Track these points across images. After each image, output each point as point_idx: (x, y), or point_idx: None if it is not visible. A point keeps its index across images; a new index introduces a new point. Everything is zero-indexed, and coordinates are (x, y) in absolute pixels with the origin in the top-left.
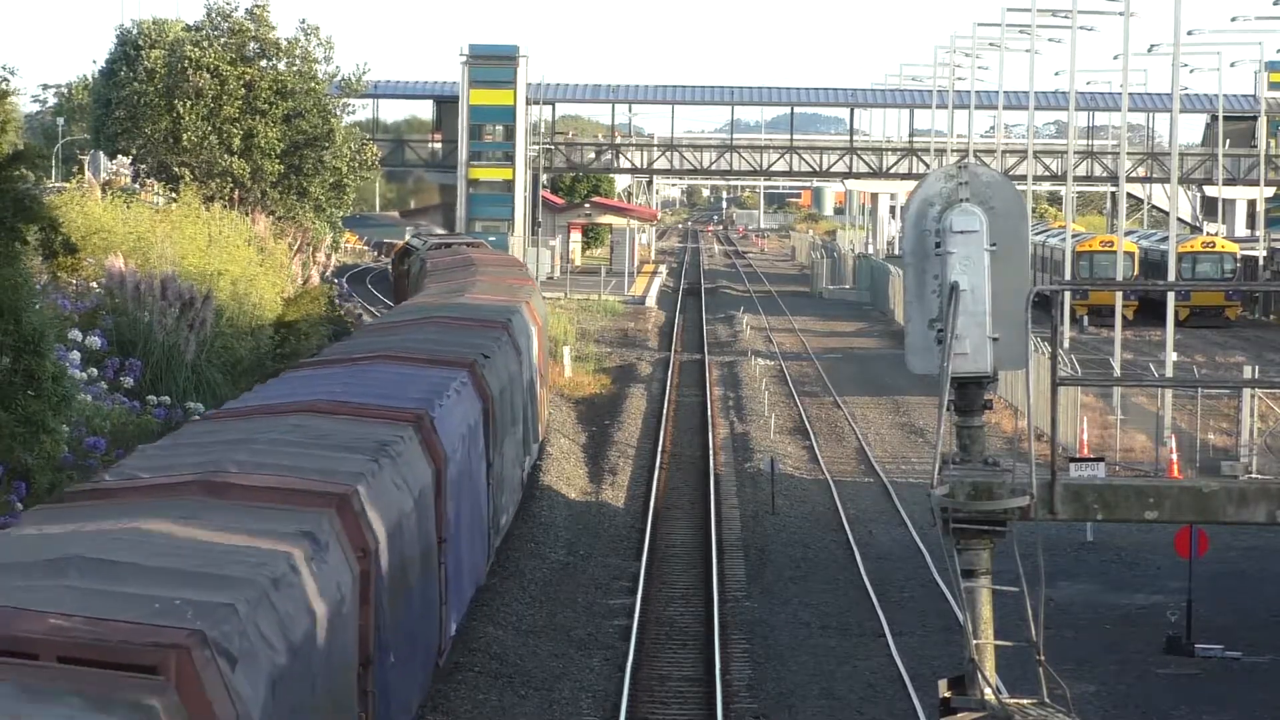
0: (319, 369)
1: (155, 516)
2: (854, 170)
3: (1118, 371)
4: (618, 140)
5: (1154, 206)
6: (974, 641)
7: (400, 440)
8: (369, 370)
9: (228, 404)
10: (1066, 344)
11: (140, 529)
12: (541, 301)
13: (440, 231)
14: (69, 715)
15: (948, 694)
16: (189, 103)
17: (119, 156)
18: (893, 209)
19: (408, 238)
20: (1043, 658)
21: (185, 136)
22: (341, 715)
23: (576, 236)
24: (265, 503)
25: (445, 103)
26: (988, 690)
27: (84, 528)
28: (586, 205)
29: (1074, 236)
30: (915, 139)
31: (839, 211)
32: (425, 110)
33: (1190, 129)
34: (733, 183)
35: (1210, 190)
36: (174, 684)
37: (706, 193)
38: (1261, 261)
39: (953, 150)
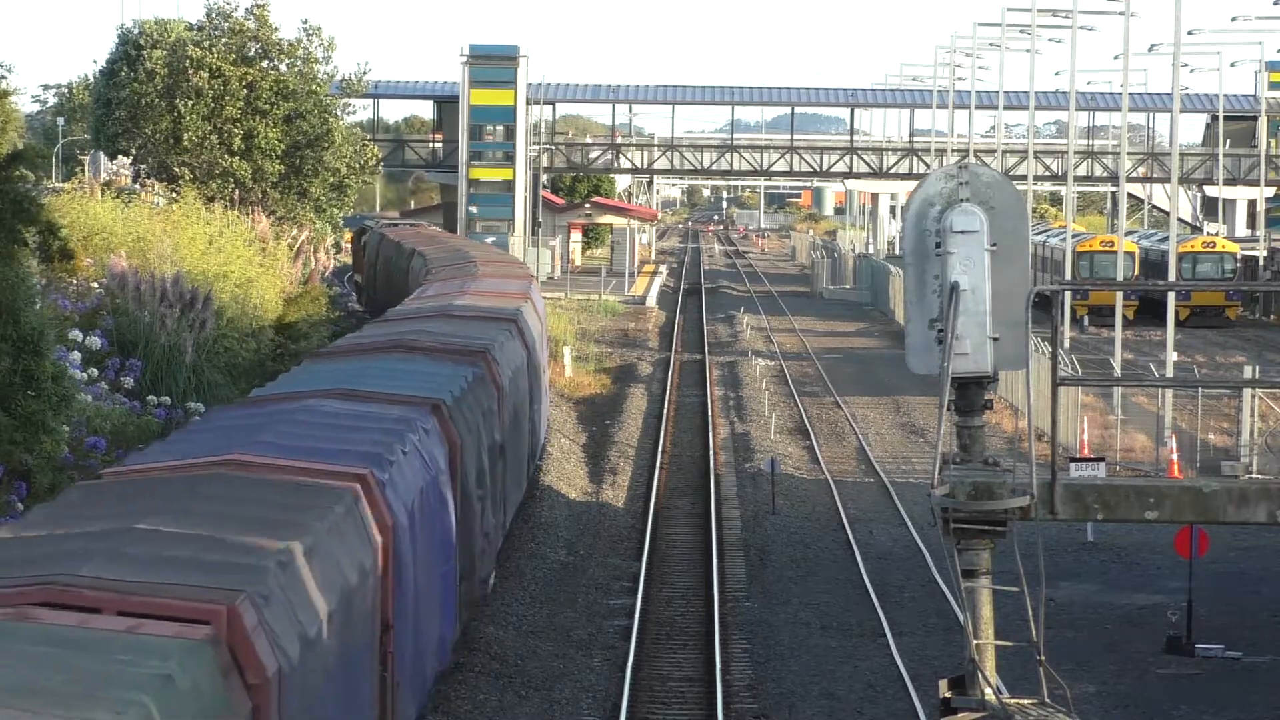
0: (395, 323)
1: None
2: (854, 170)
3: (1118, 371)
4: (618, 140)
5: (1154, 206)
6: (974, 641)
7: (471, 373)
8: (431, 322)
9: (339, 341)
10: (1067, 344)
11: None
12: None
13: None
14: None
15: (948, 694)
16: (189, 102)
17: (119, 157)
18: (893, 209)
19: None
20: (1043, 658)
21: (186, 137)
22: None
23: (577, 236)
24: (383, 404)
25: (445, 103)
26: (988, 690)
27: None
28: (587, 205)
29: (1074, 236)
30: (915, 139)
31: (839, 211)
32: (425, 110)
33: (1190, 129)
34: (733, 183)
35: (1210, 190)
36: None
37: (707, 193)
38: (1261, 261)
39: (953, 150)
